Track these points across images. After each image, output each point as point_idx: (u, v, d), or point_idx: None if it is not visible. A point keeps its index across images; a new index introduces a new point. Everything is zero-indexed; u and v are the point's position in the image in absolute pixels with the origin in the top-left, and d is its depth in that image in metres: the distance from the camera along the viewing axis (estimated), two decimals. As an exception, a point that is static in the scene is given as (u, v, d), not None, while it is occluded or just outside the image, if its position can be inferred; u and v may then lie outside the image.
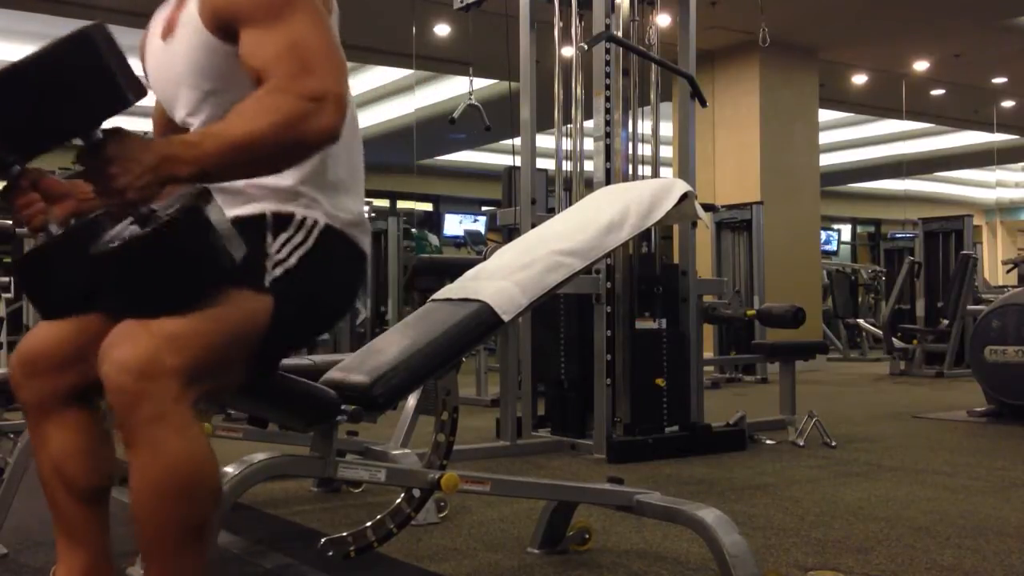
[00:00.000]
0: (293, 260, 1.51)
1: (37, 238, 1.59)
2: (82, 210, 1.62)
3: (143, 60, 1.70)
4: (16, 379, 1.55)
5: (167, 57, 1.62)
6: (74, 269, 1.50)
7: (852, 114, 12.65)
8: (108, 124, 1.31)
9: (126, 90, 1.27)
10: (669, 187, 2.07)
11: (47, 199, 1.57)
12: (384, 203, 13.65)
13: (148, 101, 1.48)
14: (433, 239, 9.59)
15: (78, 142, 1.28)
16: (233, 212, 1.55)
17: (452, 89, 10.16)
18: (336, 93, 1.40)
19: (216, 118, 1.52)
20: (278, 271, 1.49)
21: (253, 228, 1.52)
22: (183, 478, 1.29)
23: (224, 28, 1.49)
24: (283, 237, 1.53)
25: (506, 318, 1.82)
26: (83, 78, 1.25)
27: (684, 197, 2.04)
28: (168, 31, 1.61)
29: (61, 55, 1.25)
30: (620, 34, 3.99)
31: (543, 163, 4.71)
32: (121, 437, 1.29)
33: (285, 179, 1.56)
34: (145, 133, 1.62)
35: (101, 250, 1.33)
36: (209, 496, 1.34)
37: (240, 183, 1.56)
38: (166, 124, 1.70)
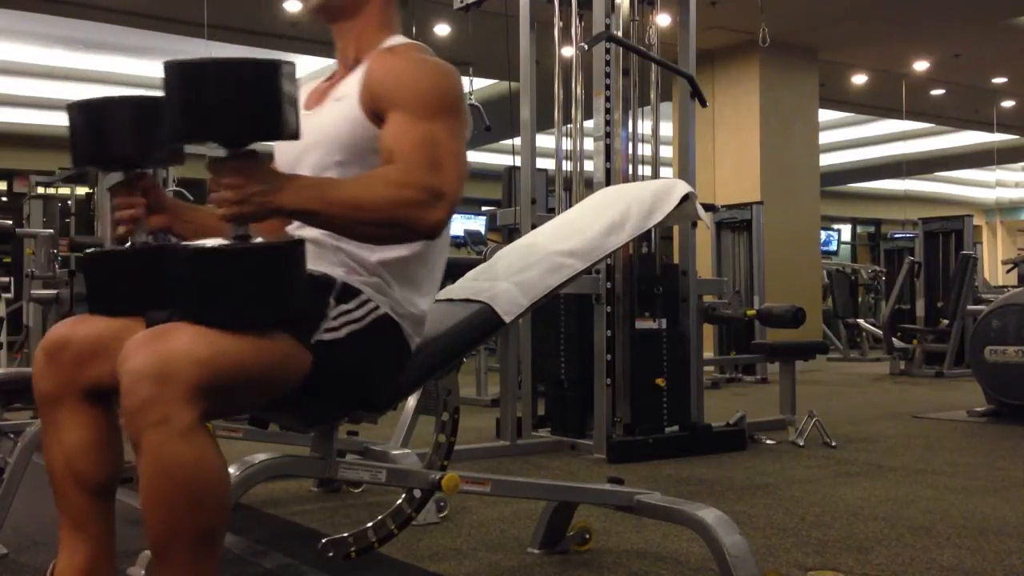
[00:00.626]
0: (343, 332, 1.56)
1: (118, 242, 1.66)
2: (175, 230, 1.69)
3: None
4: (38, 366, 1.57)
5: (306, 123, 1.64)
6: (137, 279, 1.59)
7: (852, 114, 12.65)
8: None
9: (286, 124, 1.35)
10: (670, 188, 2.07)
11: (150, 208, 1.65)
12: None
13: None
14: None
15: (217, 151, 1.36)
16: (311, 265, 1.59)
17: (452, 89, 10.14)
18: (453, 196, 1.52)
19: None
20: (327, 336, 1.53)
21: (321, 287, 1.58)
22: (188, 486, 1.29)
23: (375, 110, 1.61)
24: (343, 307, 1.58)
25: (507, 319, 1.82)
26: (257, 96, 1.33)
27: (685, 198, 2.04)
28: (316, 102, 1.73)
29: (249, 69, 1.33)
30: (620, 34, 3.99)
31: (543, 163, 4.71)
32: (130, 440, 1.30)
33: (370, 256, 1.63)
34: None
35: (190, 247, 1.38)
36: (216, 505, 1.33)
37: (330, 243, 1.63)
38: None
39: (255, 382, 1.42)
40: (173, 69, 1.32)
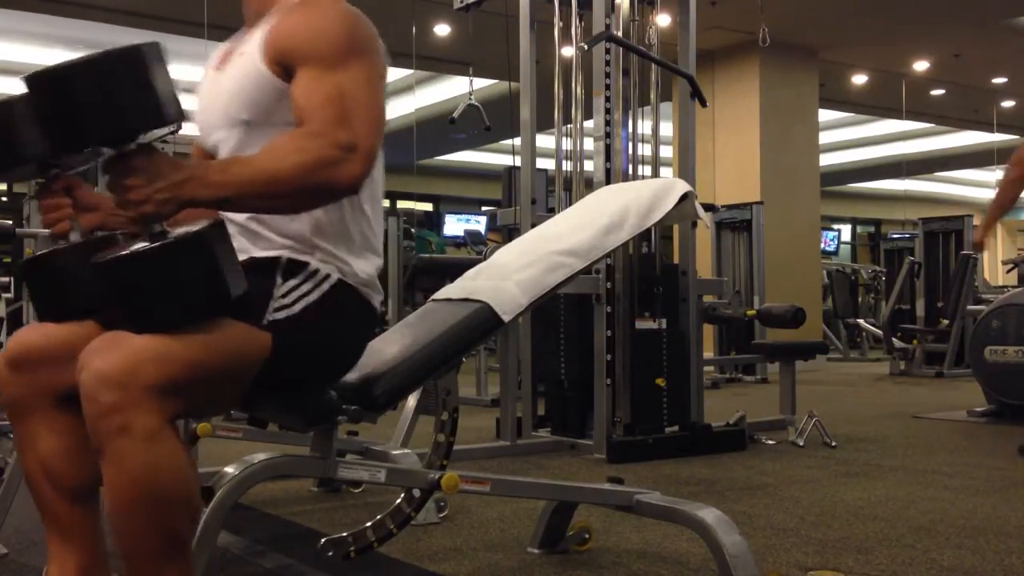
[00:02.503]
0: (297, 308, 1.53)
1: (54, 242, 1.61)
2: (108, 225, 1.64)
3: (198, 92, 1.74)
4: (3, 375, 1.55)
5: (215, 86, 1.67)
6: (81, 278, 1.52)
7: (852, 114, 12.65)
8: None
9: (165, 109, 1.30)
10: (669, 187, 2.07)
11: (77, 207, 1.61)
12: (384, 203, 13.64)
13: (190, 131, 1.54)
14: (434, 238, 9.59)
15: (108, 151, 1.31)
16: (251, 253, 1.59)
17: (452, 89, 10.16)
18: (367, 147, 1.46)
19: (245, 150, 1.56)
20: (280, 314, 1.51)
21: (266, 268, 1.56)
22: (149, 491, 1.28)
23: (282, 64, 1.55)
24: (292, 283, 1.55)
25: (506, 318, 1.82)
26: (126, 90, 1.28)
27: (684, 197, 2.04)
28: (223, 62, 1.68)
29: (110, 64, 1.27)
30: (620, 34, 3.99)
31: (543, 163, 4.71)
32: (94, 445, 1.29)
33: (305, 230, 1.59)
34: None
35: (104, 259, 1.34)
36: (182, 510, 1.32)
37: (263, 229, 1.60)
38: (203, 156, 1.72)
39: (216, 374, 1.39)
40: (33, 82, 1.28)
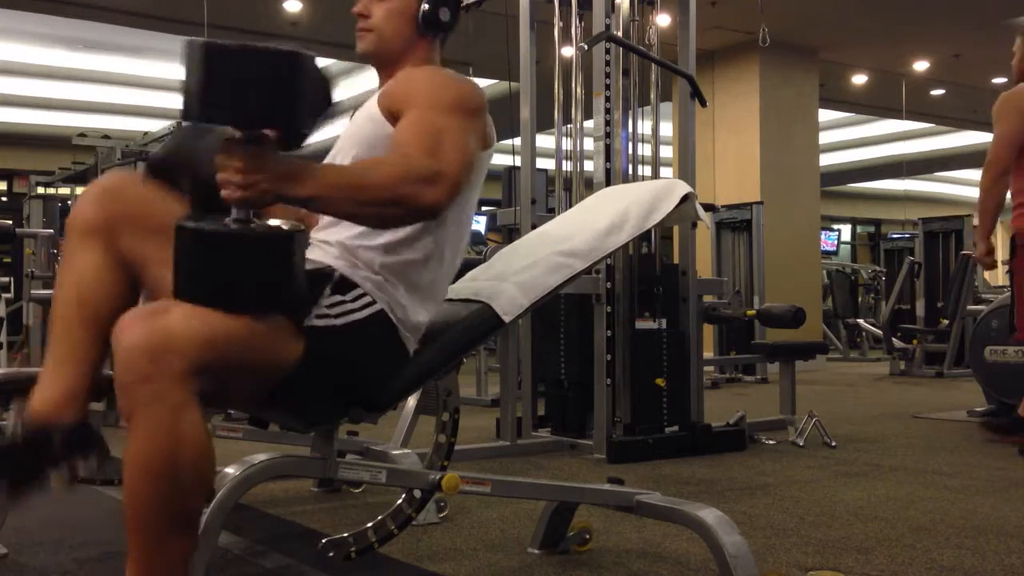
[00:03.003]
0: (339, 321, 1.57)
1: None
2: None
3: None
4: (90, 195, 1.59)
5: (345, 131, 1.84)
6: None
7: (852, 114, 12.65)
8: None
9: (297, 115, 1.38)
10: (670, 188, 2.07)
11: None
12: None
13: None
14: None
15: (236, 132, 1.38)
16: (312, 256, 1.64)
17: (452, 89, 10.14)
18: (453, 176, 1.54)
19: None
20: (319, 322, 1.54)
21: (318, 276, 1.59)
22: (171, 462, 1.31)
23: (393, 112, 1.69)
24: (338, 298, 1.60)
25: (507, 319, 1.82)
26: (277, 85, 1.36)
27: (685, 198, 2.04)
28: (357, 112, 1.85)
29: (272, 57, 1.35)
30: (620, 34, 3.99)
31: (543, 163, 4.71)
32: (121, 413, 1.32)
33: (376, 258, 1.66)
34: None
35: (187, 224, 1.38)
36: (195, 481, 1.35)
37: (338, 243, 1.67)
38: None
39: (249, 364, 1.43)
40: (196, 48, 1.33)
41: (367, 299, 1.62)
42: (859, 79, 10.81)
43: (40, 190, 9.56)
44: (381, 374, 1.66)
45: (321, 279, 1.59)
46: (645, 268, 3.99)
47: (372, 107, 1.76)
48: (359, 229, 1.67)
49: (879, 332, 9.31)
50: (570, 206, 3.54)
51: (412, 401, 3.01)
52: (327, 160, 1.78)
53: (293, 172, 1.39)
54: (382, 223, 1.58)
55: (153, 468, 1.31)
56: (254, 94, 1.34)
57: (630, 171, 4.12)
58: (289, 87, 1.35)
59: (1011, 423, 3.98)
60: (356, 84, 10.92)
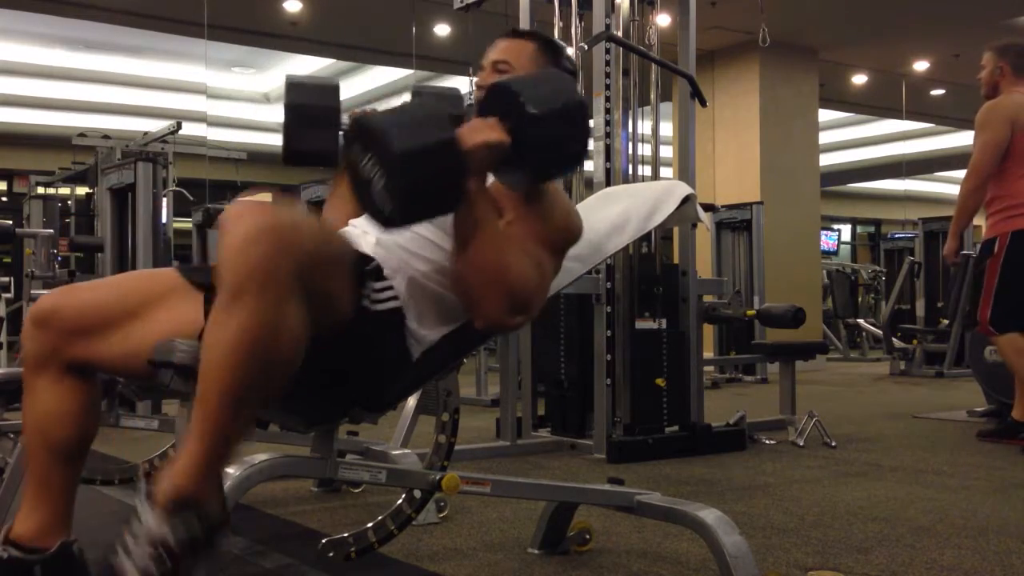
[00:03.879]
0: (379, 307, 1.60)
1: None
2: None
3: None
4: (26, 330, 1.62)
5: None
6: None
7: (852, 114, 12.64)
8: None
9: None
10: (671, 190, 2.07)
11: None
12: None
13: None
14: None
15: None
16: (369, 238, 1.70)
17: (452, 89, 10.14)
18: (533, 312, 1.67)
19: None
20: (369, 304, 1.58)
21: (359, 261, 1.61)
22: (271, 344, 1.31)
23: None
24: (373, 285, 1.61)
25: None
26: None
27: (686, 199, 2.04)
28: None
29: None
30: (620, 34, 3.99)
31: (543, 163, 4.69)
32: (229, 287, 1.30)
33: (420, 267, 1.68)
34: None
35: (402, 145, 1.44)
36: (283, 370, 1.35)
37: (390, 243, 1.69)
38: None
39: (329, 289, 1.45)
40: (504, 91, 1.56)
41: (390, 292, 1.63)
42: (859, 79, 10.81)
43: (40, 190, 9.56)
44: (379, 373, 1.65)
45: (360, 264, 1.61)
46: (645, 268, 3.99)
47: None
48: (420, 241, 1.69)
49: (879, 332, 9.31)
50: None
51: (412, 401, 3.01)
52: None
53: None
54: (473, 283, 1.59)
55: (254, 349, 1.29)
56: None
57: (630, 171, 4.12)
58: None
59: (1007, 427, 4.00)
60: (355, 84, 10.93)
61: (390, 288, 1.63)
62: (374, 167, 1.45)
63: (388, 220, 1.48)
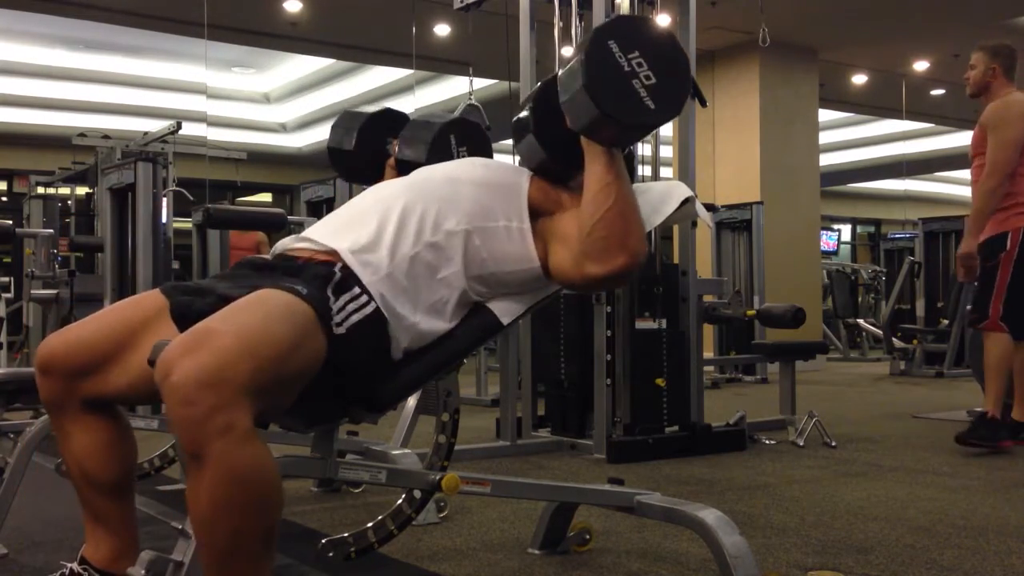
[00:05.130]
0: (345, 326, 1.55)
1: None
2: None
3: None
4: (38, 379, 1.62)
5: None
6: None
7: (852, 114, 12.64)
8: None
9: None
10: (670, 191, 2.07)
11: None
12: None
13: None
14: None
15: None
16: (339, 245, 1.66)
17: (452, 89, 10.16)
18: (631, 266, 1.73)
19: None
20: (340, 329, 1.53)
21: (322, 276, 1.57)
22: (255, 489, 1.28)
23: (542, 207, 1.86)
24: (344, 299, 1.56)
25: (505, 321, 1.81)
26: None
27: (686, 201, 2.04)
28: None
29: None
30: (620, 34, 3.98)
31: (543, 163, 4.69)
32: (185, 448, 1.26)
33: (406, 249, 1.67)
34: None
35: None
36: (278, 502, 1.33)
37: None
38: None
39: (292, 375, 1.41)
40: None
41: (362, 298, 1.59)
42: (859, 79, 10.81)
43: (40, 190, 9.56)
44: (370, 371, 1.64)
45: (323, 281, 1.57)
46: (645, 268, 3.98)
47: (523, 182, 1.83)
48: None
49: (879, 332, 9.30)
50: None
51: (412, 401, 3.01)
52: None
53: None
54: (607, 245, 1.67)
55: (240, 502, 1.26)
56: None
57: (630, 171, 4.11)
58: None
59: (995, 427, 3.96)
60: (355, 84, 10.93)
61: (360, 295, 1.59)
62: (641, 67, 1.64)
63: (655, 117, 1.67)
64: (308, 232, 1.76)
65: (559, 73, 1.69)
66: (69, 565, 1.64)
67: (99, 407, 1.62)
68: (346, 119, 2.26)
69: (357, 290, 1.59)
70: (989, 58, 4.22)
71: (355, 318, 1.56)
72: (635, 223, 1.69)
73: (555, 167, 1.82)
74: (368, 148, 2.21)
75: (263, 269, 1.67)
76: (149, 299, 1.67)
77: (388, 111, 2.29)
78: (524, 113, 1.82)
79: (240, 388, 1.26)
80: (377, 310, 1.59)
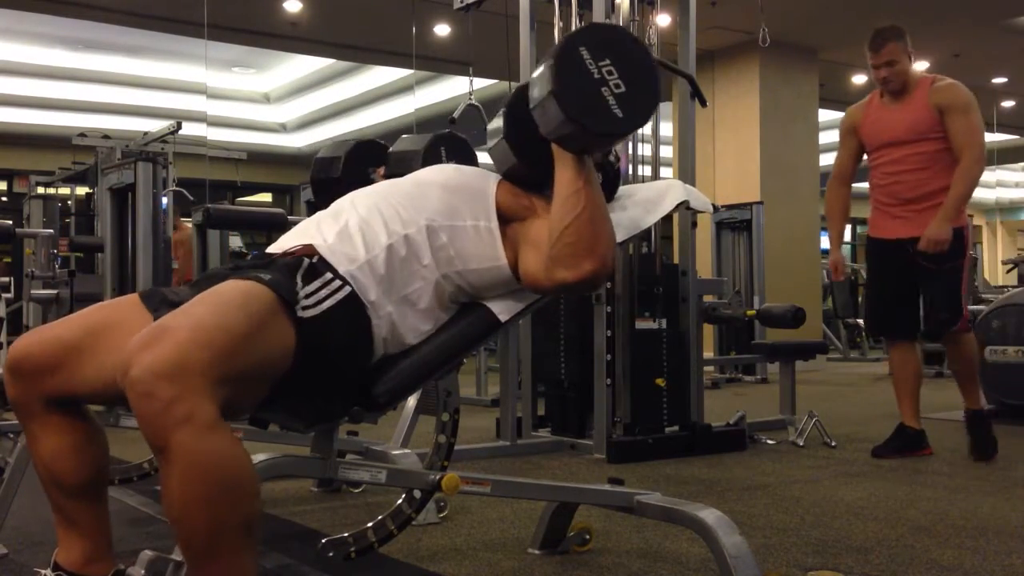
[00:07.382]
0: (316, 311, 1.55)
1: None
2: None
3: None
4: (6, 379, 1.60)
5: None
6: None
7: (852, 114, 12.63)
8: None
9: None
10: (663, 193, 2.08)
11: None
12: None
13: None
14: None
15: None
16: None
17: (452, 89, 10.16)
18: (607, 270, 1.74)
19: None
20: (307, 312, 1.53)
21: (289, 267, 1.59)
22: (226, 480, 1.27)
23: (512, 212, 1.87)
24: (313, 286, 1.57)
25: (503, 318, 1.82)
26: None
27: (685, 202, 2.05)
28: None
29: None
30: (620, 34, 3.98)
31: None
32: (150, 443, 1.26)
33: (382, 239, 1.69)
34: None
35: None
36: (253, 492, 1.32)
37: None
38: None
39: (255, 366, 1.41)
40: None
41: (334, 284, 1.59)
42: (859, 79, 10.81)
43: (40, 190, 9.57)
44: (352, 355, 1.63)
45: (292, 269, 1.58)
46: (645, 268, 3.99)
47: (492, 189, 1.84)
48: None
49: (879, 332, 9.27)
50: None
51: (412, 401, 3.02)
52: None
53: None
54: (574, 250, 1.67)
55: (210, 494, 1.25)
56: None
57: (630, 171, 4.12)
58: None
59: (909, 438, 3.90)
60: (355, 84, 10.93)
61: (333, 280, 1.59)
62: (611, 74, 1.62)
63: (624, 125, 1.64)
64: (283, 237, 1.79)
65: (530, 78, 1.69)
66: (43, 571, 1.61)
67: (68, 408, 1.60)
68: (329, 150, 2.37)
69: (329, 275, 1.60)
70: (904, 45, 4.16)
71: (329, 302, 1.57)
72: (604, 229, 1.69)
73: (527, 172, 1.82)
74: (354, 176, 2.25)
75: (240, 268, 1.67)
76: (128, 301, 1.67)
77: (370, 141, 2.37)
78: (498, 118, 1.83)
79: (199, 378, 1.26)
80: (352, 293, 1.60)
